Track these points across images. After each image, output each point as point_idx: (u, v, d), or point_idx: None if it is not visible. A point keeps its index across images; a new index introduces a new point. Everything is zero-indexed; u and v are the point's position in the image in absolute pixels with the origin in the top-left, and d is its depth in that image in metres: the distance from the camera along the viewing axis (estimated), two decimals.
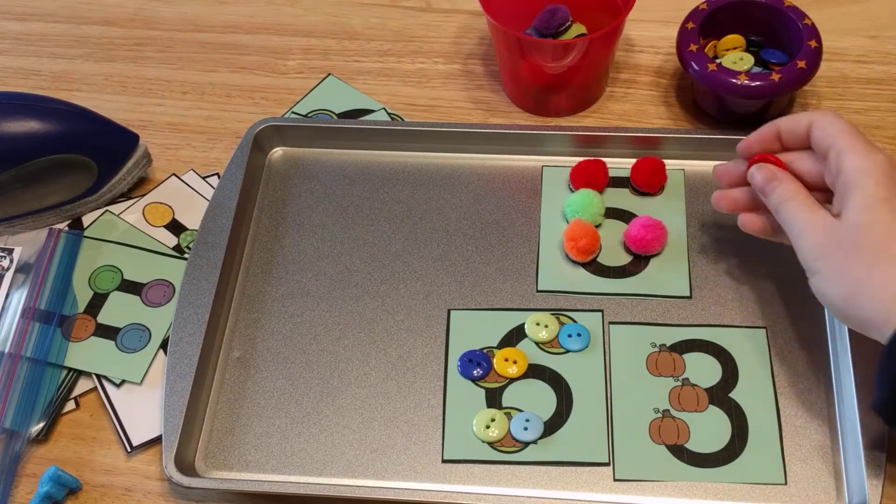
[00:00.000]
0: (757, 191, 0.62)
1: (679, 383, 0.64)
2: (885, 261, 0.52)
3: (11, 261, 0.73)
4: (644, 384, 0.64)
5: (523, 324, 0.67)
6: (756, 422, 0.62)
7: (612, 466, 0.61)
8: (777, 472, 0.60)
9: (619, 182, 0.74)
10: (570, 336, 0.66)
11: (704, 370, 0.65)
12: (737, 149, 0.65)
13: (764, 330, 0.66)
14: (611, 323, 0.67)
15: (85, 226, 0.75)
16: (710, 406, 0.63)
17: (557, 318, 0.67)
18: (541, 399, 0.64)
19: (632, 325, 0.67)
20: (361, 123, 0.78)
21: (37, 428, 0.65)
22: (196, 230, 0.73)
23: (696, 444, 0.62)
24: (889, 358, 0.51)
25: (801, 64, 0.70)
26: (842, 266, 0.54)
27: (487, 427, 0.63)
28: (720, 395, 0.64)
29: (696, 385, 0.64)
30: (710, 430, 0.62)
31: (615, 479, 0.61)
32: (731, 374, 0.64)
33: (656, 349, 0.66)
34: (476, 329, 0.67)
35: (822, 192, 0.60)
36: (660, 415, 0.63)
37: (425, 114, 0.80)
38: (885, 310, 0.51)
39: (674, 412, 0.63)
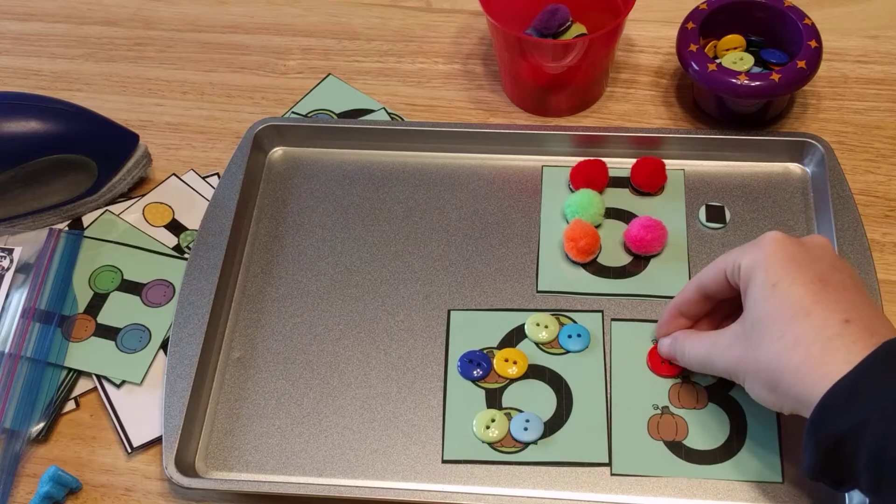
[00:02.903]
0: (671, 360, 0.64)
1: (679, 380, 0.64)
2: (788, 346, 0.52)
3: (11, 261, 0.73)
4: (644, 381, 0.64)
5: (523, 324, 0.67)
6: (755, 420, 0.62)
7: (609, 461, 0.61)
8: (774, 471, 0.60)
9: (619, 182, 0.74)
10: (570, 336, 0.66)
11: None
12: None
13: None
14: (612, 320, 0.67)
15: (85, 226, 0.75)
16: (710, 403, 0.63)
17: (557, 319, 0.67)
18: (541, 399, 0.64)
19: (632, 322, 0.67)
20: (361, 123, 0.78)
21: (37, 428, 0.65)
22: (196, 230, 0.73)
23: (694, 441, 0.62)
24: (813, 427, 0.50)
25: (801, 64, 0.70)
26: (757, 364, 0.54)
27: (487, 427, 0.63)
28: (720, 392, 0.64)
29: (696, 382, 0.64)
30: (708, 427, 0.62)
31: (612, 474, 0.61)
32: None
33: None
34: (476, 329, 0.67)
35: None
36: (659, 411, 0.63)
37: (425, 114, 0.80)
38: (804, 391, 0.51)
39: (673, 409, 0.63)
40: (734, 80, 0.70)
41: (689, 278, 0.68)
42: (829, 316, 0.52)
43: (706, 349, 0.59)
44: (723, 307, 0.62)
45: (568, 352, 0.66)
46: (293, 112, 0.81)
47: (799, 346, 0.52)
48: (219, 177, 0.76)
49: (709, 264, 0.60)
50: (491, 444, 0.63)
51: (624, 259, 0.70)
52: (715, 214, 0.71)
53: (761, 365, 0.54)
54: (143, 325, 0.69)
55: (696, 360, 0.60)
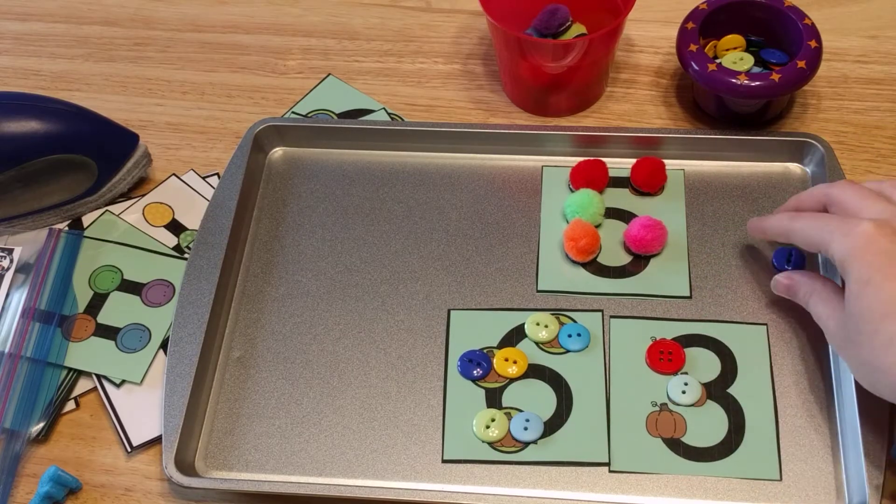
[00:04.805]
0: (785, 296, 0.65)
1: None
2: (883, 343, 0.53)
3: (11, 261, 0.73)
4: (643, 377, 0.64)
5: (523, 324, 0.67)
6: (753, 418, 0.62)
7: (608, 458, 0.61)
8: (772, 468, 0.60)
9: (619, 182, 0.74)
10: (570, 336, 0.66)
11: (704, 365, 0.65)
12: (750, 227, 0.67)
13: (764, 327, 0.66)
14: (611, 317, 0.67)
15: (85, 226, 0.75)
16: (708, 401, 0.63)
17: (557, 318, 0.67)
18: (541, 399, 0.64)
19: (632, 319, 0.67)
20: (361, 123, 0.78)
21: (37, 428, 0.65)
22: (196, 230, 0.73)
23: (692, 438, 0.62)
24: None
25: (801, 64, 0.70)
26: (856, 357, 0.56)
27: (487, 427, 0.63)
28: (718, 390, 0.64)
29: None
30: (706, 424, 0.62)
31: (610, 471, 0.61)
32: (730, 369, 0.64)
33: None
34: (476, 329, 0.67)
35: None
36: (657, 408, 0.63)
37: (425, 114, 0.80)
38: None
39: (671, 406, 0.63)
40: (734, 80, 0.70)
41: (689, 279, 0.68)
42: None
43: (826, 320, 0.60)
44: None
45: (568, 351, 0.66)
46: (293, 112, 0.81)
47: (892, 346, 0.53)
48: (219, 177, 0.76)
49: (798, 221, 0.61)
50: (491, 444, 0.63)
51: (624, 259, 0.70)
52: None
53: (858, 359, 0.56)
54: (143, 325, 0.69)
55: (821, 324, 0.61)
